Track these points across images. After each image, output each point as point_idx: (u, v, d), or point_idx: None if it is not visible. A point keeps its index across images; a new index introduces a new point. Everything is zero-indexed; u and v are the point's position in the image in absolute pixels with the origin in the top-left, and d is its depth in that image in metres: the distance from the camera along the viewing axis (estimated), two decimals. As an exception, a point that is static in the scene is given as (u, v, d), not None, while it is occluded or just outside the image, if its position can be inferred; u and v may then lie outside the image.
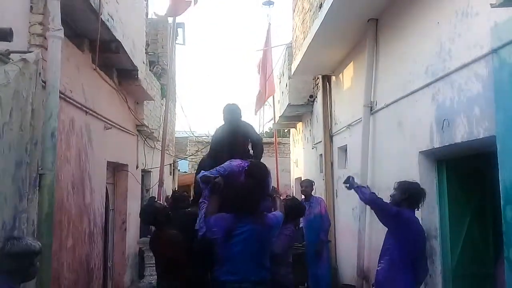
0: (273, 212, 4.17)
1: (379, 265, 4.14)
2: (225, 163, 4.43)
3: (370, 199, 4.26)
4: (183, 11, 8.20)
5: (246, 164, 4.45)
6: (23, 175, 3.21)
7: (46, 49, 4.01)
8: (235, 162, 4.47)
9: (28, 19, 4.11)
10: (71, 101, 4.86)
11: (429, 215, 4.22)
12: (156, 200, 6.81)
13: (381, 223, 4.87)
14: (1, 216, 2.92)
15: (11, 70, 3.13)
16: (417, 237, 3.92)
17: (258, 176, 4.33)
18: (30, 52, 3.53)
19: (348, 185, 4.55)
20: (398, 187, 4.04)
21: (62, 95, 4.35)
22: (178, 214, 4.72)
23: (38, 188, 3.49)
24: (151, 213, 4.39)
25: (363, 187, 4.56)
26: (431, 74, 4.10)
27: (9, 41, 2.96)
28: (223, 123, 5.02)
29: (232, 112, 4.97)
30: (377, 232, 5.50)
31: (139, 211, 4.64)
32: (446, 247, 4.15)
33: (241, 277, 3.76)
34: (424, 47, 4.28)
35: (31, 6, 4.12)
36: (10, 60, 3.46)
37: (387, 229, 4.16)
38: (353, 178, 4.60)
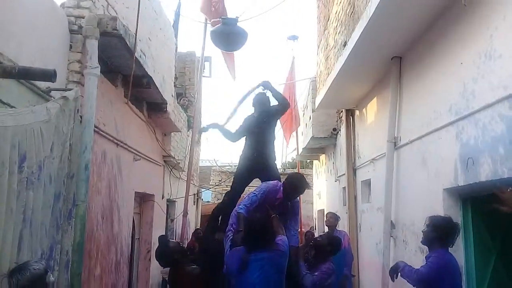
0: (279, 238, 4.19)
1: None
2: (260, 186, 4.59)
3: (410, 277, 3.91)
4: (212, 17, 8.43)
5: (280, 184, 4.59)
6: (60, 207, 3.38)
7: (83, 85, 4.24)
8: (271, 183, 4.63)
9: (67, 57, 4.35)
10: (103, 134, 5.07)
11: (454, 252, 4.16)
12: (167, 238, 6.81)
13: (405, 258, 4.88)
14: (41, 246, 3.08)
15: (52, 107, 3.34)
16: (452, 282, 3.69)
17: (297, 188, 4.50)
18: (70, 90, 3.76)
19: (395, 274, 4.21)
20: (430, 223, 3.84)
21: (95, 129, 4.54)
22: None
23: (73, 219, 3.64)
24: (168, 255, 4.39)
25: (403, 268, 4.08)
26: (455, 112, 4.16)
27: (53, 82, 3.17)
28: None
29: (261, 102, 5.23)
30: (401, 268, 5.47)
31: (155, 252, 4.66)
32: (472, 286, 4.11)
33: None
34: (447, 86, 4.35)
35: (70, 45, 4.37)
36: (51, 97, 3.70)
37: (413, 264, 4.08)
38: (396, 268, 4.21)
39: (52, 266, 3.29)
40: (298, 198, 4.85)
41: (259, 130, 5.11)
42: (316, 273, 4.48)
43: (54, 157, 3.29)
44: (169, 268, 4.71)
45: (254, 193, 4.53)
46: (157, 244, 4.53)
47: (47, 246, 3.26)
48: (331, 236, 5.36)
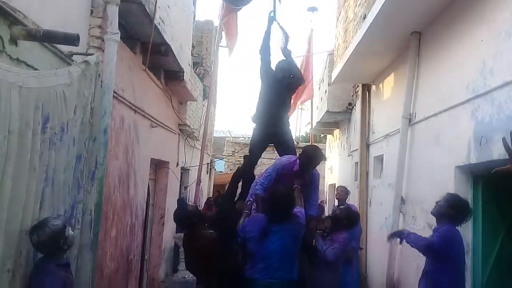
0: (298, 209, 4.31)
1: None
2: (274, 163, 4.77)
3: (424, 245, 3.97)
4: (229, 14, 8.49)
5: (295, 158, 4.71)
6: (82, 168, 3.50)
7: (103, 50, 4.29)
8: (285, 158, 4.78)
9: (88, 22, 4.40)
10: (122, 99, 5.16)
11: (461, 230, 4.21)
12: (185, 201, 6.95)
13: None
14: (64, 204, 3.23)
15: (74, 71, 3.41)
16: (457, 256, 3.78)
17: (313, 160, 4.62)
18: (91, 54, 3.82)
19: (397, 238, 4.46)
20: (448, 199, 3.90)
21: (114, 94, 4.61)
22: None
23: (96, 180, 3.76)
24: (186, 218, 4.52)
25: (408, 234, 4.21)
26: (471, 90, 4.16)
27: (76, 46, 3.23)
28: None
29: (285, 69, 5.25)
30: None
31: (173, 215, 4.79)
32: (477, 263, 4.18)
33: (274, 275, 3.92)
34: (466, 63, 4.33)
35: (91, 10, 4.41)
36: (73, 61, 3.77)
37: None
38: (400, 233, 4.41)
39: (73, 224, 3.42)
40: (317, 170, 4.94)
41: (276, 94, 5.17)
42: (335, 246, 4.62)
43: (77, 119, 3.38)
44: (182, 234, 4.85)
45: (269, 172, 4.65)
46: (170, 210, 4.66)
47: (69, 205, 3.38)
48: (350, 210, 5.47)
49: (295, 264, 4.11)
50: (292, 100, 5.51)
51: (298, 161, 4.66)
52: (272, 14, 5.61)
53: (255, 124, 5.40)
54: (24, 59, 3.11)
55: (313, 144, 4.97)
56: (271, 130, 5.21)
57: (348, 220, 5.03)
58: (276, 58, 5.43)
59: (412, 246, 4.09)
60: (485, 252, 4.16)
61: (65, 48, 3.67)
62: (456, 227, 3.88)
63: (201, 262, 4.38)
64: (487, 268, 4.13)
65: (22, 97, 2.74)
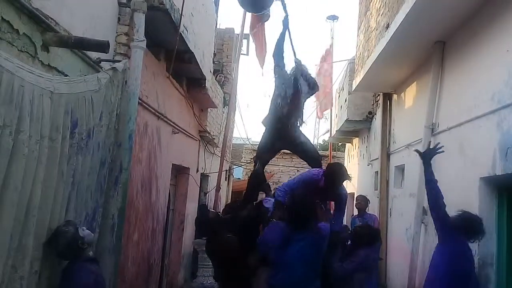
0: (322, 224, 4.32)
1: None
2: (301, 174, 4.84)
3: (432, 186, 4.07)
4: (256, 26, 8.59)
5: (321, 171, 4.71)
6: (105, 173, 3.57)
7: (129, 57, 4.37)
8: (313, 171, 4.84)
9: (115, 29, 4.50)
10: (146, 106, 5.24)
11: (486, 242, 4.16)
12: (207, 208, 6.97)
13: (435, 245, 4.90)
14: (86, 208, 3.28)
15: (102, 77, 3.49)
16: (461, 254, 3.76)
17: (336, 179, 4.60)
18: (119, 61, 3.90)
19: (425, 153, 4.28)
20: (461, 214, 3.90)
21: (139, 100, 4.69)
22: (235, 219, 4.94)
23: (119, 185, 3.82)
24: (208, 225, 4.56)
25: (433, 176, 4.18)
26: (497, 101, 4.11)
27: (106, 53, 3.31)
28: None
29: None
30: (430, 254, 5.48)
31: (194, 221, 4.82)
32: (501, 276, 4.11)
33: (297, 284, 3.90)
34: (491, 74, 4.29)
35: (119, 18, 4.50)
36: (101, 68, 3.86)
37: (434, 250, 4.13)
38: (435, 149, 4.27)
39: (94, 228, 3.49)
40: (345, 190, 4.91)
41: (288, 98, 5.14)
42: (347, 263, 4.60)
43: (102, 125, 3.45)
44: (201, 240, 4.89)
45: (293, 181, 4.65)
46: (190, 216, 4.70)
47: (92, 209, 3.45)
48: (370, 228, 5.43)
49: (318, 274, 4.08)
50: (304, 106, 5.46)
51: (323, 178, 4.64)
52: (286, 19, 5.62)
53: (264, 128, 5.40)
54: (55, 65, 3.19)
55: (338, 162, 4.92)
56: (281, 134, 5.18)
57: (369, 237, 5.00)
58: (290, 62, 5.47)
59: (426, 186, 4.13)
60: (510, 264, 4.09)
61: (93, 55, 3.76)
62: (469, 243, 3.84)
63: (227, 266, 4.41)
64: (511, 280, 4.06)
65: (53, 102, 2.81)
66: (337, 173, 4.62)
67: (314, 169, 4.93)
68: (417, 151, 4.49)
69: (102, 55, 3.82)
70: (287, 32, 5.60)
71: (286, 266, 3.96)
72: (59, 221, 3.03)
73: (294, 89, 5.13)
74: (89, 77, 3.34)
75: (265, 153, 5.36)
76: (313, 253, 4.01)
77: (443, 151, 4.19)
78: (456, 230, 3.83)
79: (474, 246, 3.98)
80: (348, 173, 4.85)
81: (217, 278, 4.69)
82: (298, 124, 5.37)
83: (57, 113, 2.89)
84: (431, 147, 4.44)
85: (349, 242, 5.17)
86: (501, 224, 4.19)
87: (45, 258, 2.88)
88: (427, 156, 4.18)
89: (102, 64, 3.89)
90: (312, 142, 5.59)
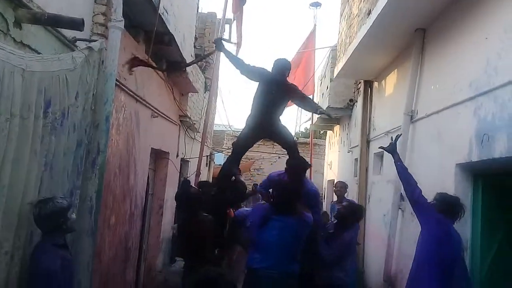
0: (305, 213, 4.35)
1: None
2: (268, 177, 4.95)
3: (404, 174, 4.23)
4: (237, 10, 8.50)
5: (283, 173, 4.82)
6: (81, 154, 3.50)
7: (107, 38, 4.27)
8: (275, 173, 4.97)
9: (92, 8, 4.38)
10: (124, 88, 5.15)
11: (460, 227, 4.22)
12: (190, 184, 6.96)
13: (411, 230, 4.97)
14: (62, 190, 3.22)
15: (78, 56, 3.41)
16: (445, 238, 3.78)
17: (296, 170, 4.66)
18: (95, 41, 3.81)
19: (389, 148, 4.50)
20: (439, 198, 3.98)
21: (116, 82, 4.59)
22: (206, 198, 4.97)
23: (97, 167, 3.75)
24: (188, 200, 4.60)
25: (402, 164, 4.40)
26: (475, 88, 4.15)
27: (81, 31, 3.23)
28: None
29: (285, 66, 5.13)
30: (407, 240, 5.56)
31: (175, 195, 4.87)
32: (475, 261, 4.17)
33: (273, 266, 3.92)
34: (470, 61, 4.32)
35: (96, -4, 4.40)
36: (76, 47, 3.76)
37: (418, 236, 4.20)
38: (395, 142, 4.52)
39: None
40: (314, 187, 5.00)
41: (271, 97, 5.05)
42: (335, 247, 4.66)
43: (78, 105, 3.38)
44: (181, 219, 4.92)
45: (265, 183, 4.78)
46: (170, 201, 4.72)
47: (68, 191, 3.39)
48: (354, 206, 5.49)
49: (296, 259, 4.09)
50: (285, 105, 5.39)
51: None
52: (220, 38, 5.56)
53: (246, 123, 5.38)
54: (28, 42, 3.10)
55: (295, 153, 4.94)
56: (263, 126, 5.17)
57: (354, 215, 5.05)
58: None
59: (398, 175, 4.30)
60: (483, 250, 4.16)
61: (69, 34, 3.66)
62: (453, 224, 3.90)
63: (194, 246, 4.42)
64: (485, 266, 4.14)
65: (25, 80, 2.74)
66: (295, 164, 4.74)
67: (274, 172, 5.09)
68: (381, 147, 4.72)
69: (78, 34, 3.73)
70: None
71: (263, 248, 3.98)
72: (32, 201, 2.96)
73: (271, 85, 5.06)
74: (63, 55, 3.26)
75: (245, 140, 5.35)
76: (290, 237, 4.02)
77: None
78: (438, 214, 3.87)
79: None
80: (306, 162, 5.00)
81: (181, 255, 4.75)
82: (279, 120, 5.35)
83: (29, 91, 2.81)
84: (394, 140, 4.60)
85: (329, 227, 5.22)
86: (476, 209, 4.25)
87: (18, 238, 2.82)
88: (391, 150, 4.45)
89: (78, 43, 3.79)
90: (290, 133, 5.56)
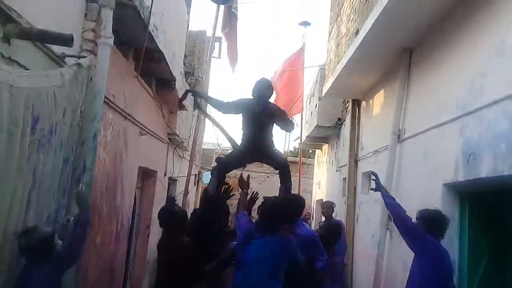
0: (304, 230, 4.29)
1: None
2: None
3: (392, 205, 4.26)
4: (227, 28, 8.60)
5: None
6: (68, 172, 3.46)
7: (96, 55, 4.27)
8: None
9: (82, 25, 4.37)
10: (112, 105, 5.12)
11: (448, 248, 4.21)
12: (175, 201, 6.79)
13: (400, 251, 4.96)
14: (48, 209, 3.17)
15: (66, 73, 3.40)
16: (440, 261, 3.75)
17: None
18: (84, 57, 3.80)
19: (374, 187, 4.56)
20: (419, 216, 3.96)
21: (105, 99, 4.57)
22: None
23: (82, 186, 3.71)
24: (170, 216, 4.30)
25: (389, 195, 4.48)
26: (460, 108, 4.20)
27: (70, 47, 3.22)
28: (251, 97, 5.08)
29: (266, 88, 5.04)
30: (395, 260, 5.55)
31: (159, 211, 4.68)
32: (463, 282, 4.15)
33: (252, 283, 3.83)
34: (455, 81, 4.38)
35: (85, 13, 4.37)
36: (65, 63, 3.75)
37: (407, 258, 4.17)
38: (377, 177, 4.55)
39: (56, 229, 3.38)
40: (312, 237, 4.71)
41: (259, 120, 4.96)
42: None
43: (66, 122, 3.36)
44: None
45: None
46: (157, 221, 4.53)
47: (54, 209, 3.34)
48: (329, 225, 5.46)
49: (277, 277, 3.93)
50: (272, 126, 5.33)
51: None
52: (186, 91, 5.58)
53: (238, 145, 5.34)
54: (16, 58, 3.08)
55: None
56: (254, 153, 5.11)
57: (329, 235, 5.01)
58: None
59: (387, 208, 4.30)
60: (470, 271, 4.15)
61: (58, 50, 3.65)
62: (440, 241, 3.86)
63: (170, 268, 4.11)
64: (472, 286, 4.13)
65: (12, 96, 2.72)
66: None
67: None
68: (372, 189, 4.73)
69: (67, 50, 3.71)
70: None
71: (243, 265, 3.93)
72: (18, 222, 2.92)
73: (253, 108, 4.98)
74: (52, 71, 3.25)
75: (234, 163, 5.29)
76: (269, 255, 3.89)
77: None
78: (429, 238, 3.82)
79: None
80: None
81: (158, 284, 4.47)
82: (272, 142, 5.23)
83: (16, 107, 2.79)
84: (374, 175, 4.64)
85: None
86: (463, 230, 4.25)
87: (4, 261, 2.77)
88: (378, 187, 4.53)
89: (67, 59, 3.78)
90: (281, 154, 5.49)
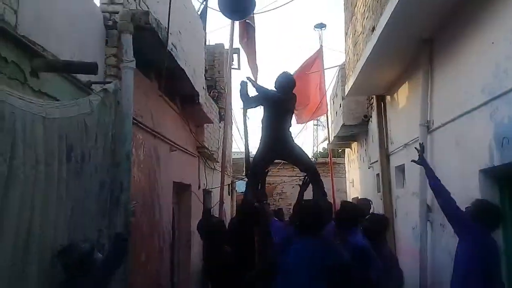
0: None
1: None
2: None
3: (436, 188, 4.26)
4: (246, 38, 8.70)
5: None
6: (105, 194, 3.56)
7: (120, 79, 4.40)
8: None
9: (104, 51, 4.53)
10: (141, 125, 5.25)
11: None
12: (211, 213, 6.89)
13: (444, 241, 4.87)
14: (88, 233, 3.27)
15: (94, 100, 3.51)
16: (485, 247, 3.69)
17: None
18: (109, 82, 3.92)
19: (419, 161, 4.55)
20: (475, 203, 3.91)
21: (134, 120, 4.70)
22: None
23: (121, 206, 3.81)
24: (209, 229, 4.46)
25: (432, 175, 4.45)
26: (487, 93, 4.12)
27: (95, 74, 3.34)
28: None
29: (288, 80, 5.26)
30: (440, 251, 5.45)
31: (197, 224, 4.79)
32: (510, 267, 4.08)
33: None
34: (479, 67, 4.31)
35: (106, 40, 4.53)
36: (92, 90, 3.88)
37: (452, 248, 4.09)
38: (423, 149, 4.60)
39: (96, 245, 3.47)
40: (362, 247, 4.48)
41: (279, 115, 5.16)
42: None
43: (98, 147, 3.47)
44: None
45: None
46: (196, 233, 4.63)
47: (95, 232, 3.44)
48: (372, 216, 5.44)
49: (318, 284, 3.75)
50: (291, 117, 5.47)
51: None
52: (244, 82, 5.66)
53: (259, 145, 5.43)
54: (46, 90, 3.21)
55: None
56: (276, 147, 5.20)
57: (374, 225, 4.96)
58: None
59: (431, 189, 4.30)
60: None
61: (84, 78, 3.79)
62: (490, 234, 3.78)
63: (216, 278, 4.31)
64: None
65: (46, 127, 2.83)
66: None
67: None
68: (413, 161, 4.79)
69: (93, 78, 3.85)
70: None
71: (283, 271, 3.83)
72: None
73: (275, 105, 5.14)
74: (80, 100, 3.37)
75: (260, 165, 5.37)
76: (309, 258, 3.78)
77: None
78: (475, 223, 3.77)
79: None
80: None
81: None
82: (291, 135, 5.37)
83: (51, 138, 2.90)
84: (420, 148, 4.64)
85: None
86: (505, 215, 4.15)
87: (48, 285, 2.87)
88: (421, 162, 4.56)
89: (93, 86, 3.91)
90: (306, 153, 5.55)
